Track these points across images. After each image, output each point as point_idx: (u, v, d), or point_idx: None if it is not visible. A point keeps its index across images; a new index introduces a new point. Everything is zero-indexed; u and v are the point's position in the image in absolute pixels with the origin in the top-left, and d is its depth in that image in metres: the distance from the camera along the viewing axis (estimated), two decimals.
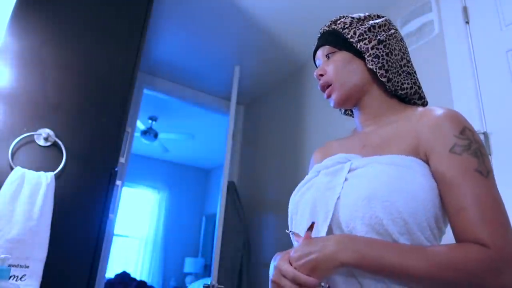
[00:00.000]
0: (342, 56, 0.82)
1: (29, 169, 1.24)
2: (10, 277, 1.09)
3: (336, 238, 0.59)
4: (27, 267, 1.12)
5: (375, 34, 0.81)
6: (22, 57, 1.36)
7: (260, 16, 2.29)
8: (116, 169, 1.41)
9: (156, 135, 4.32)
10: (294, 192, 0.79)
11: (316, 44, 0.89)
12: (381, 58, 0.78)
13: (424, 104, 0.85)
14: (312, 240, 0.61)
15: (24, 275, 1.11)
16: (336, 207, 0.65)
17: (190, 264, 5.19)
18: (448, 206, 0.62)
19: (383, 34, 0.80)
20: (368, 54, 0.79)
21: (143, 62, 2.84)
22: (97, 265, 1.29)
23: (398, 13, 2.04)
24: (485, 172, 0.61)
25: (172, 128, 4.46)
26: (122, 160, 1.48)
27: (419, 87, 0.83)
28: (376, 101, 0.82)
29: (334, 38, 0.84)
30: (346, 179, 0.67)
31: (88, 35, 1.51)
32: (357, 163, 0.69)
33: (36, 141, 1.30)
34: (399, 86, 0.80)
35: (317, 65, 0.88)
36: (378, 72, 0.78)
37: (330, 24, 0.87)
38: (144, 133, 4.24)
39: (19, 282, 1.10)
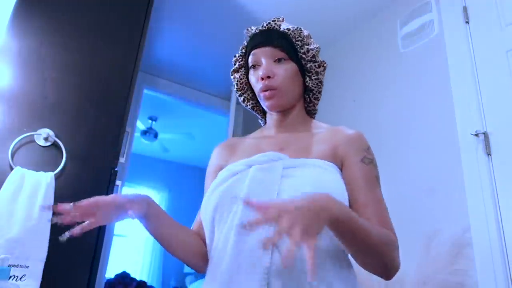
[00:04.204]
0: (292, 67, 0.87)
1: (29, 169, 1.24)
2: (10, 277, 1.09)
3: (326, 198, 0.62)
4: (27, 267, 1.12)
5: (319, 59, 0.91)
6: (22, 57, 1.36)
7: (260, 16, 2.29)
8: (116, 169, 1.41)
9: (156, 135, 4.31)
10: (217, 183, 0.80)
11: (261, 36, 0.88)
12: (321, 83, 0.92)
13: (314, 118, 1.00)
14: (304, 198, 0.60)
15: (24, 275, 1.11)
16: None
17: None
18: (355, 202, 0.77)
19: (325, 62, 0.92)
20: (315, 77, 0.90)
21: (143, 62, 2.84)
22: (97, 265, 1.29)
23: (398, 13, 2.04)
24: (379, 180, 0.81)
25: (172, 128, 4.46)
26: (122, 160, 1.48)
27: None
28: (295, 113, 0.92)
29: (287, 45, 0.86)
30: (281, 176, 0.75)
31: (88, 35, 1.51)
32: (288, 162, 0.78)
33: (36, 141, 1.30)
34: (315, 108, 0.97)
35: (255, 56, 0.87)
36: (315, 95, 0.92)
37: (279, 23, 0.89)
38: (144, 133, 4.24)
39: (19, 282, 1.10)
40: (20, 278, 1.11)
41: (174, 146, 5.07)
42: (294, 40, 0.87)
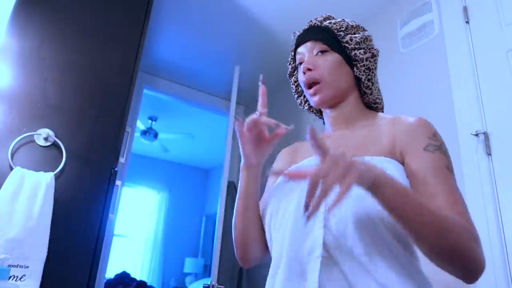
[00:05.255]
0: (335, 57, 0.83)
1: (29, 169, 1.24)
2: (10, 277, 1.09)
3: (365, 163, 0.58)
4: (27, 267, 1.12)
5: (368, 46, 0.85)
6: (22, 57, 1.36)
7: (260, 16, 2.29)
8: (116, 169, 1.41)
9: (156, 135, 4.31)
10: (273, 192, 0.81)
11: (303, 33, 0.89)
12: (371, 71, 0.84)
13: (381, 111, 0.92)
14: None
15: (24, 275, 1.11)
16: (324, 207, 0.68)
17: (190, 264, 5.19)
18: (421, 196, 0.67)
19: (375, 49, 0.86)
20: (361, 64, 0.83)
21: (143, 62, 2.84)
22: (97, 265, 1.29)
23: (398, 13, 2.04)
24: (451, 169, 0.70)
25: (172, 128, 4.46)
26: (122, 160, 1.47)
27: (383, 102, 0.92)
28: (350, 106, 0.86)
29: (328, 37, 0.85)
30: None
31: (88, 35, 1.51)
32: None
33: (36, 141, 1.30)
34: (374, 100, 0.88)
35: (300, 55, 0.88)
36: (365, 84, 0.85)
37: (322, 20, 0.89)
38: (144, 133, 4.24)
39: (18, 282, 1.10)
40: (20, 278, 1.11)
41: (174, 146, 5.07)
42: (336, 31, 0.84)
